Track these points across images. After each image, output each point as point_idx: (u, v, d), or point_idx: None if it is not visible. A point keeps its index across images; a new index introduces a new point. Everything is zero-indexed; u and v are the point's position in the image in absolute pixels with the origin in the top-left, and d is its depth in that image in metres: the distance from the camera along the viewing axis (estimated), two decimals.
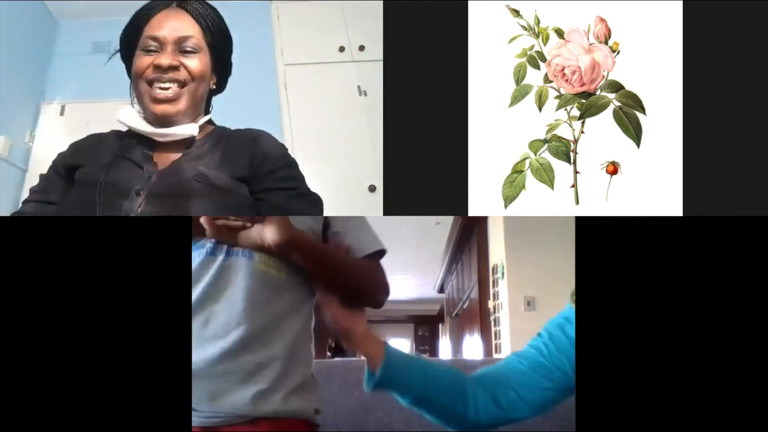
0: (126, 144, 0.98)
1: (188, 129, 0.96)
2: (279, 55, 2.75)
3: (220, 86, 1.06)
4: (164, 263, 0.78)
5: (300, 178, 0.97)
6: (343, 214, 0.91)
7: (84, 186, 0.91)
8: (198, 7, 1.00)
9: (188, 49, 0.96)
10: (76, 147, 1.02)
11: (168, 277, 0.78)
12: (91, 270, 0.77)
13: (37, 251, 0.77)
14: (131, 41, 0.99)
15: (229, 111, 1.08)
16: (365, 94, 2.59)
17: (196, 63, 0.96)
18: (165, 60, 0.94)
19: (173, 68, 0.94)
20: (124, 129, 1.01)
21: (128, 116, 0.99)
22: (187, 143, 0.97)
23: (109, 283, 0.77)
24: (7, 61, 2.42)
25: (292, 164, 0.98)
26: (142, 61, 0.95)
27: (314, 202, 0.95)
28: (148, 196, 0.87)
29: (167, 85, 0.94)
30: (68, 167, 0.96)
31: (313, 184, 0.96)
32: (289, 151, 0.99)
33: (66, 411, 0.74)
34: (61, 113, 2.64)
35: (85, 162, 0.96)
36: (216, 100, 1.06)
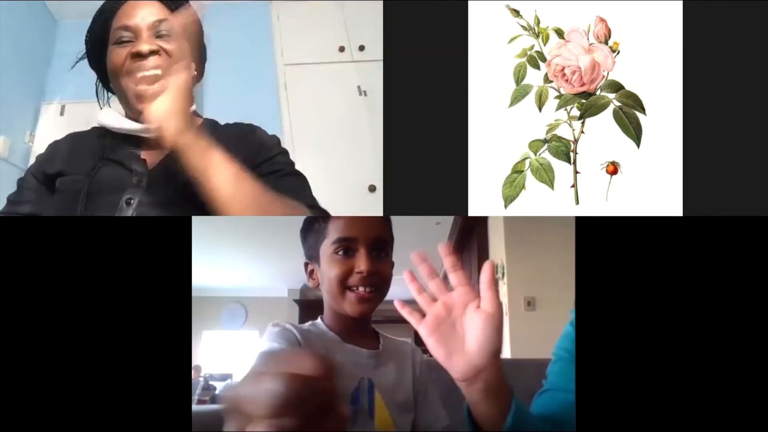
0: (109, 143, 0.92)
1: None
2: (279, 55, 2.75)
3: (200, 74, 1.01)
4: (164, 263, 0.78)
5: (289, 163, 0.95)
6: (343, 214, 0.91)
7: (65, 198, 0.86)
8: None
9: (164, 33, 0.89)
10: (55, 149, 0.96)
11: (168, 278, 0.78)
12: (91, 270, 0.77)
13: (36, 251, 0.77)
14: (99, 39, 0.92)
15: (229, 111, 1.07)
16: (365, 94, 2.59)
17: (175, 46, 0.89)
18: (144, 46, 0.86)
19: (153, 53, 0.86)
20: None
21: (109, 117, 0.92)
22: None
23: (108, 284, 0.77)
24: (7, 61, 2.42)
25: (284, 153, 0.95)
26: (118, 54, 0.88)
27: (301, 180, 0.93)
28: (140, 204, 0.83)
29: (151, 72, 0.86)
30: (47, 175, 0.91)
31: (314, 184, 0.96)
32: (290, 151, 0.99)
33: (66, 412, 0.74)
34: (61, 113, 2.64)
35: (65, 168, 0.90)
36: (215, 100, 1.05)
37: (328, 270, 0.77)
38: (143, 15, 0.89)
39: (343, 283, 0.76)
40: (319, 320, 0.82)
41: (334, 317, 0.80)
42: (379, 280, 0.77)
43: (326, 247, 0.78)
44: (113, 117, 0.92)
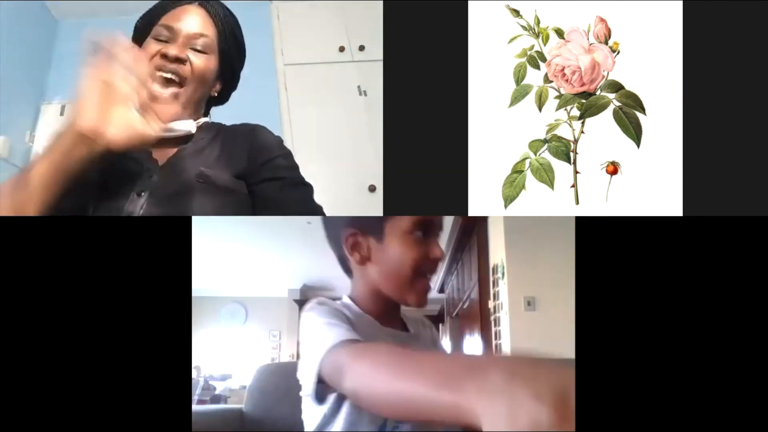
0: None
1: (185, 125, 0.94)
2: (279, 55, 2.75)
3: (224, 97, 1.05)
4: (164, 263, 0.78)
5: (293, 167, 0.95)
6: (343, 214, 0.91)
7: (78, 187, 0.84)
8: (219, 10, 0.98)
9: (198, 47, 0.94)
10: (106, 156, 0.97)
11: (168, 278, 0.78)
12: (91, 270, 0.77)
13: (36, 251, 0.77)
14: (145, 28, 0.96)
15: (229, 111, 1.08)
16: (365, 94, 2.59)
17: (203, 63, 0.94)
18: (173, 50, 0.91)
19: (179, 60, 0.91)
20: None
21: None
22: (184, 139, 0.94)
23: (109, 284, 0.77)
24: (7, 61, 2.42)
25: (286, 155, 0.97)
26: (150, 47, 0.92)
27: (305, 192, 0.93)
28: (150, 196, 0.86)
29: (169, 75, 0.91)
30: None
31: (313, 184, 0.96)
32: (289, 151, 0.99)
33: (66, 412, 0.74)
34: (61, 113, 2.64)
35: None
36: (215, 100, 1.05)
37: (403, 251, 0.71)
38: (189, 22, 0.94)
39: (418, 268, 0.71)
40: (347, 300, 0.76)
41: (371, 300, 0.75)
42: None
43: (400, 222, 0.72)
44: None
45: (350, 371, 0.56)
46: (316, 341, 0.62)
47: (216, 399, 4.73)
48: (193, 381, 4.63)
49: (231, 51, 1.00)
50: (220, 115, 1.07)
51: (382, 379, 0.52)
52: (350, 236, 0.74)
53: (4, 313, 0.75)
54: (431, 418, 0.45)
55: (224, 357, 6.67)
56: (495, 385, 0.34)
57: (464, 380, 0.35)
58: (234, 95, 1.08)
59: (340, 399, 0.67)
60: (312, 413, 0.69)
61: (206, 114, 1.04)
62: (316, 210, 0.92)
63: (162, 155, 0.93)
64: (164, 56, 0.91)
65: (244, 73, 1.07)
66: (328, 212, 0.92)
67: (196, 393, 4.63)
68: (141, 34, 0.97)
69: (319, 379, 0.61)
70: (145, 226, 0.80)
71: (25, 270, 0.76)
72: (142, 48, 0.94)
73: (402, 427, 0.68)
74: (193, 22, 0.94)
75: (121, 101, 0.75)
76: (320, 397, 0.64)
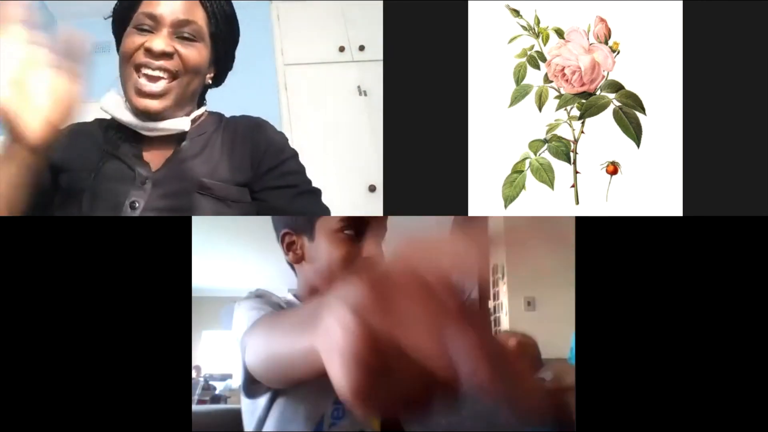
0: (112, 137, 0.89)
1: (179, 124, 0.87)
2: (279, 55, 2.75)
3: (218, 80, 0.98)
4: (164, 263, 0.78)
5: (301, 171, 0.92)
6: (343, 214, 0.91)
7: (67, 197, 0.84)
8: None
9: (186, 35, 0.84)
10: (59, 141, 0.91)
11: (168, 278, 0.78)
12: (91, 270, 0.77)
13: (36, 251, 0.77)
14: (125, 15, 0.87)
15: (229, 111, 1.07)
16: (365, 94, 2.59)
17: (194, 53, 0.85)
18: (158, 44, 0.82)
19: (166, 55, 0.82)
20: (108, 117, 0.90)
21: (111, 104, 0.87)
22: (178, 137, 0.89)
23: (108, 284, 0.77)
24: None
25: (293, 157, 0.93)
26: (133, 40, 0.83)
27: (315, 200, 0.91)
28: (145, 210, 0.82)
29: (156, 73, 0.82)
30: (52, 166, 0.85)
31: (313, 184, 0.96)
32: (296, 151, 0.96)
33: (66, 412, 0.74)
34: None
35: (68, 164, 0.86)
36: (214, 101, 1.03)
37: (331, 249, 0.72)
38: (173, 7, 0.84)
39: (349, 266, 0.71)
40: (290, 296, 0.78)
41: (309, 297, 0.75)
42: None
43: (329, 222, 0.73)
44: (115, 103, 0.88)
45: (247, 347, 0.57)
46: (237, 332, 0.63)
47: (216, 399, 4.73)
48: (193, 381, 4.63)
49: (223, 33, 0.91)
50: (219, 108, 1.04)
51: (259, 344, 0.53)
52: (285, 235, 0.76)
53: (3, 313, 0.75)
54: (295, 374, 0.43)
55: (224, 357, 6.67)
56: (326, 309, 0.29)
57: (315, 318, 0.29)
58: (234, 96, 1.07)
59: (273, 397, 0.68)
60: (247, 417, 0.71)
61: (201, 101, 0.97)
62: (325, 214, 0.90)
63: (155, 157, 0.88)
64: (149, 51, 0.82)
65: (245, 74, 1.06)
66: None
67: (196, 393, 4.62)
68: (120, 23, 0.88)
69: (247, 371, 0.61)
70: (145, 226, 0.80)
71: (25, 270, 0.76)
72: (123, 39, 0.86)
73: (339, 424, 0.69)
74: (177, 6, 0.84)
75: (23, 75, 0.65)
76: (250, 392, 0.65)
